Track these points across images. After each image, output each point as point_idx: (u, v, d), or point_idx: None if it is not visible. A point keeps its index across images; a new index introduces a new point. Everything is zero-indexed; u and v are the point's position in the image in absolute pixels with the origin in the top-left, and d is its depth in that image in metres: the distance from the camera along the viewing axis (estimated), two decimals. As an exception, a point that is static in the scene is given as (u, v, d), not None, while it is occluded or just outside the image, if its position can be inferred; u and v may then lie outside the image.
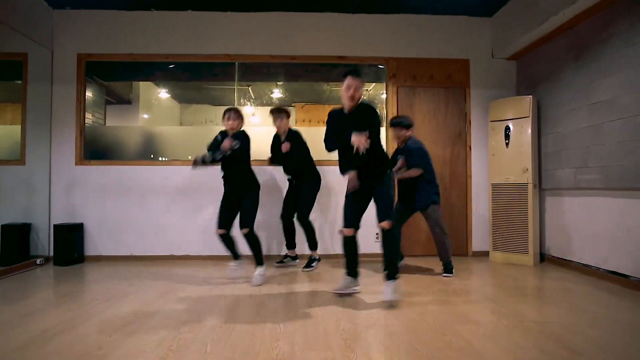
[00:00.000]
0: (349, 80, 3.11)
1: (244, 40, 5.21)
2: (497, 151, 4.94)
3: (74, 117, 5.10)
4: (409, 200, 4.11)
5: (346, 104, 3.18)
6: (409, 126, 4.11)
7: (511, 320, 2.72)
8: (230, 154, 3.71)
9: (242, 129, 3.90)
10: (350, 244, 3.31)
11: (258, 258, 3.84)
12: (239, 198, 3.83)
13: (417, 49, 5.28)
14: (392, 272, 3.15)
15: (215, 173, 5.09)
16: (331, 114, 3.35)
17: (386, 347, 2.28)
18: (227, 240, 3.89)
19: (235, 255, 3.97)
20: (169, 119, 8.69)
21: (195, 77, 5.77)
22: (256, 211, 3.85)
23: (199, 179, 5.10)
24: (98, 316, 2.81)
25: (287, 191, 4.56)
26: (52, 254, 4.85)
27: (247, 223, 3.76)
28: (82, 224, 5.02)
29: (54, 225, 4.82)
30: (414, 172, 4.01)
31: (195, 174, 5.09)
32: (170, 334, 2.45)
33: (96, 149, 5.23)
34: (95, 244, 5.06)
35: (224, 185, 3.92)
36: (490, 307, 3.01)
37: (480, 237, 5.23)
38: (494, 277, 4.11)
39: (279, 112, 4.40)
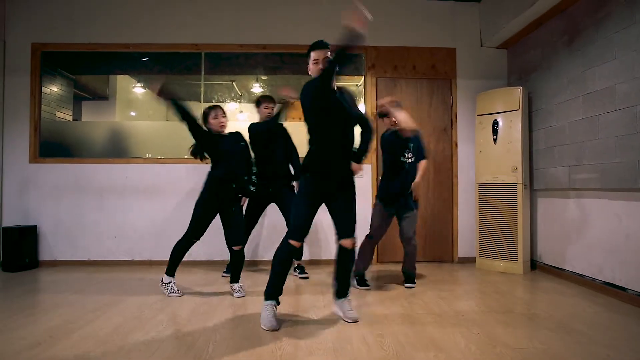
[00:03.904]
0: (314, 54, 2.70)
1: (211, 28, 4.82)
2: (484, 148, 4.50)
3: (28, 112, 4.74)
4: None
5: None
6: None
7: (482, 345, 2.30)
8: (241, 154, 3.36)
9: (238, 131, 3.51)
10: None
11: (238, 275, 3.44)
12: (229, 208, 3.35)
13: (399, 36, 4.85)
14: (346, 289, 2.84)
15: (177, 173, 4.75)
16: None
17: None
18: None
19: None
20: (155, 116, 8.34)
21: (167, 69, 5.36)
22: None
23: (161, 179, 4.72)
24: (4, 334, 2.43)
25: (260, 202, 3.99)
26: (1, 258, 4.48)
27: (244, 239, 3.43)
28: (36, 226, 4.66)
29: (4, 228, 4.46)
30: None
31: (158, 173, 4.72)
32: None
33: (59, 146, 4.85)
34: (50, 248, 4.70)
35: (221, 190, 3.31)
36: (461, 328, 2.59)
37: (466, 241, 4.79)
38: (476, 288, 3.68)
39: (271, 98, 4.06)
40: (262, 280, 3.70)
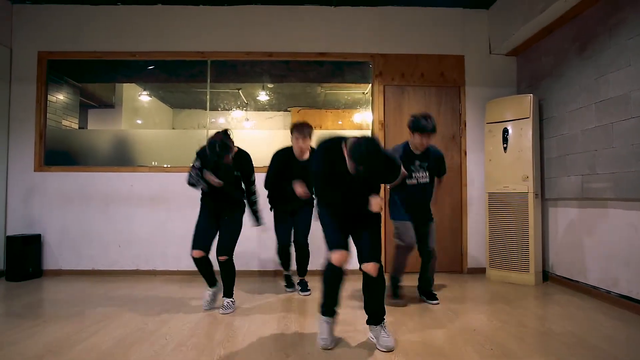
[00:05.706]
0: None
1: (216, 36, 4.79)
2: (494, 156, 4.42)
3: (34, 120, 4.72)
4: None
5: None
6: None
7: (496, 362, 2.21)
8: (234, 177, 3.21)
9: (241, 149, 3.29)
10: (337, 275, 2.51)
11: (231, 289, 3.24)
12: (222, 217, 3.23)
13: (407, 44, 4.80)
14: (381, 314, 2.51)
15: (183, 182, 4.63)
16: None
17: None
18: (206, 264, 3.21)
19: (212, 282, 3.29)
20: (162, 124, 8.36)
21: (172, 77, 5.34)
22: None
23: (167, 188, 4.68)
24: (3, 349, 2.37)
25: (284, 216, 3.79)
26: (4, 268, 4.44)
27: (230, 249, 3.18)
28: (40, 235, 4.62)
29: (7, 237, 4.44)
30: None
31: (163, 182, 4.68)
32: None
33: (65, 154, 4.83)
34: (55, 257, 4.66)
35: (207, 200, 3.26)
36: (474, 342, 2.50)
37: (476, 252, 4.70)
38: (487, 301, 3.59)
39: (305, 128, 3.55)
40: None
